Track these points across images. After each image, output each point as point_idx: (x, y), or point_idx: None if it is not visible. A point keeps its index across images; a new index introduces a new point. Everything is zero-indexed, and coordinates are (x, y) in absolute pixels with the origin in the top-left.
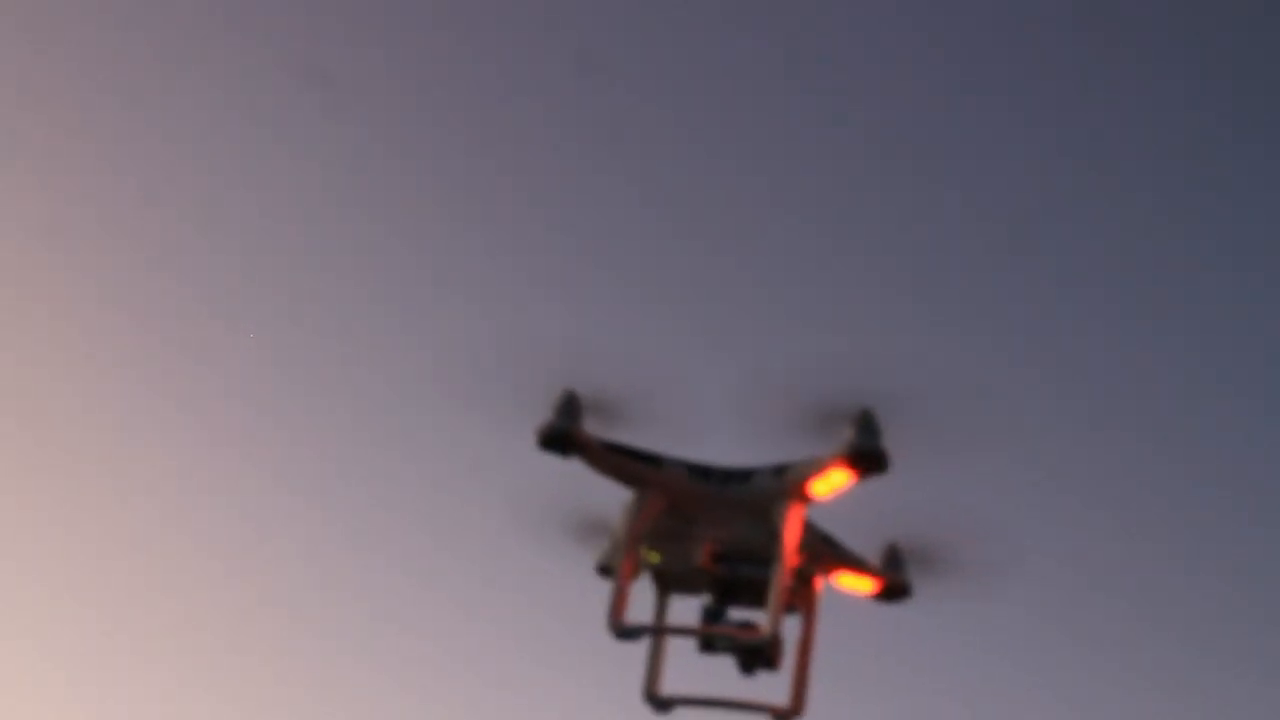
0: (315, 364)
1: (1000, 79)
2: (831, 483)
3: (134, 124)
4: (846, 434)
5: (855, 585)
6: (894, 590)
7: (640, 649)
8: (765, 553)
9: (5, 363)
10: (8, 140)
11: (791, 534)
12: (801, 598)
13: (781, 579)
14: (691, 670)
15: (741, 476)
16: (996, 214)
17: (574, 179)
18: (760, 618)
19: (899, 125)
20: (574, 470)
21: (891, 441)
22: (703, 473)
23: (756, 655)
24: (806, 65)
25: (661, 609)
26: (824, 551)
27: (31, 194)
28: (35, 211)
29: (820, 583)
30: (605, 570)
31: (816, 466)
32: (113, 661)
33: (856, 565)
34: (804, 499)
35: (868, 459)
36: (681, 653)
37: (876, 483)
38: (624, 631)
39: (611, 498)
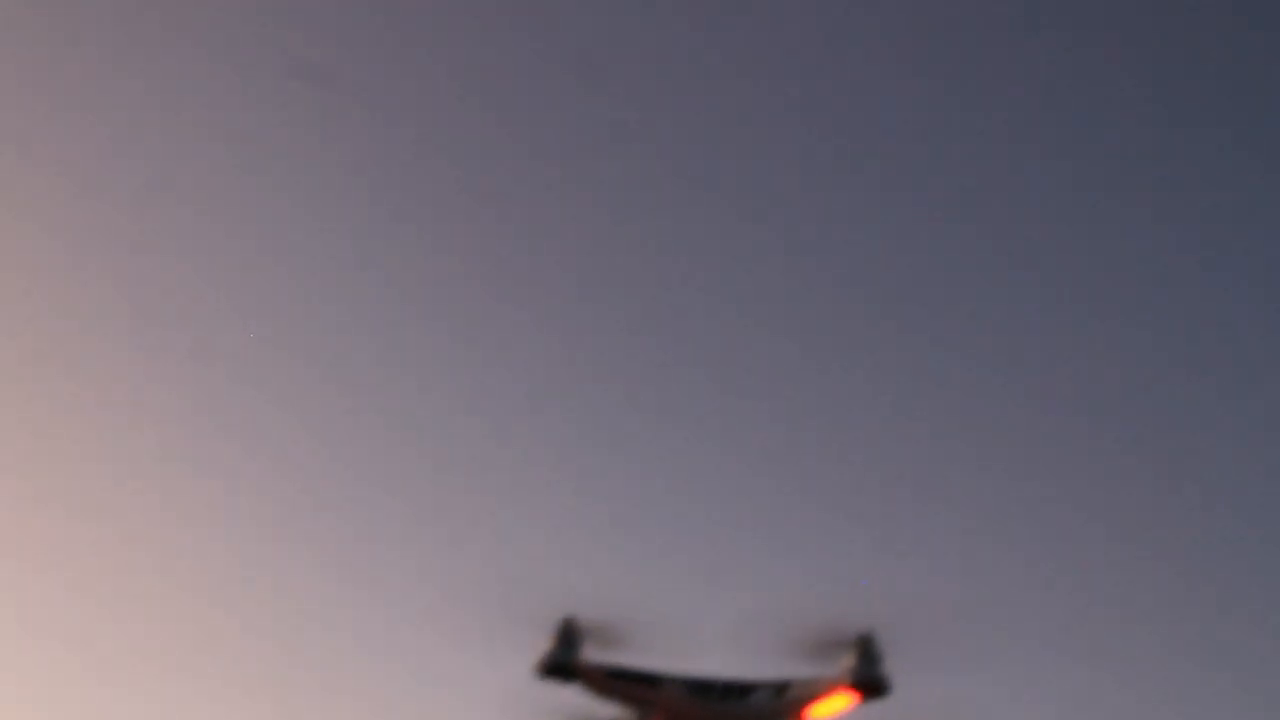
0: (323, 599)
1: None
2: (833, 706)
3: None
4: (849, 660)
5: None
6: None
7: None
8: None
9: (5, 362)
10: (8, 140)
11: None
12: None
13: None
14: None
15: (741, 691)
16: (988, 440)
17: (574, 412)
18: None
19: (889, 350)
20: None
21: (891, 658)
22: (702, 689)
23: None
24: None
25: None
26: None
27: (31, 194)
28: (36, 211)
29: None
30: None
31: (818, 689)
32: (96, 661)
33: None
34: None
35: (870, 685)
36: None
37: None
38: None
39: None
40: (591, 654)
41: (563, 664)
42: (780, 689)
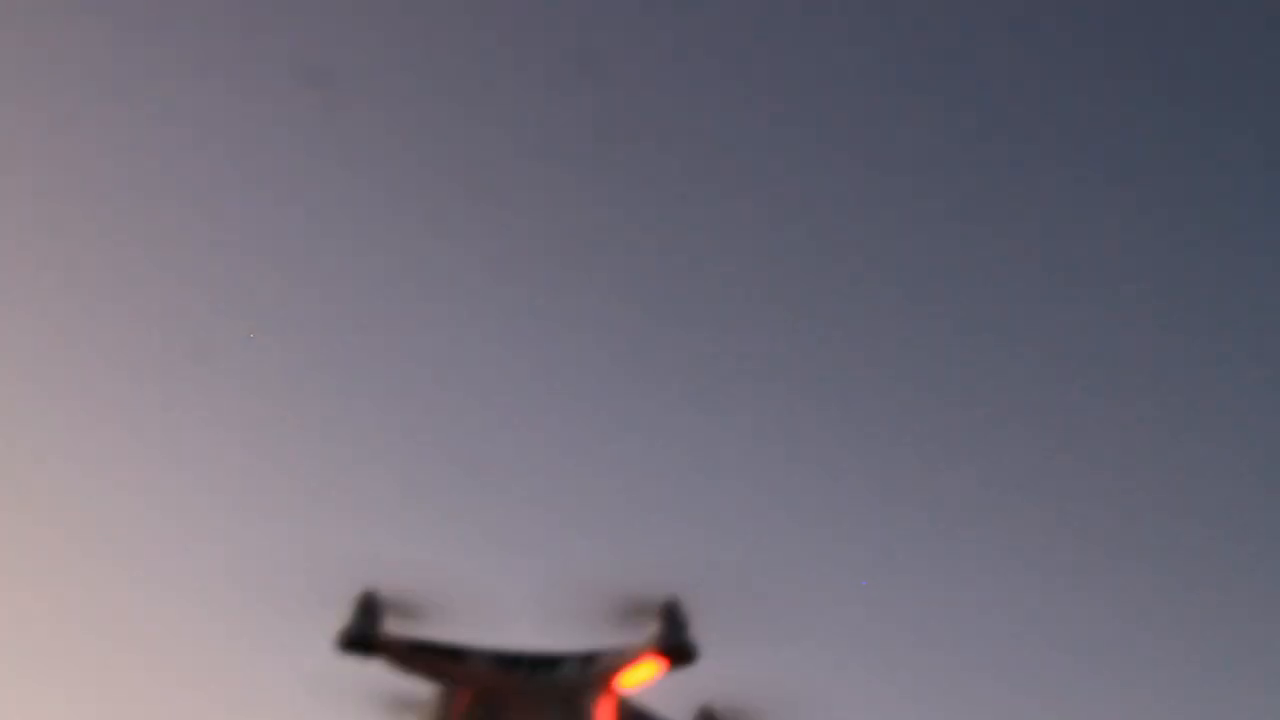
0: (126, 571)
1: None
2: (641, 674)
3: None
4: (654, 627)
5: None
6: None
7: None
8: None
9: (5, 362)
10: (8, 139)
11: None
12: None
13: None
14: None
15: (549, 664)
16: (800, 391)
17: (363, 373)
18: None
19: (693, 298)
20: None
21: (702, 623)
22: (509, 661)
23: None
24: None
25: None
26: None
27: (31, 194)
28: (34, 211)
29: None
30: None
31: (626, 657)
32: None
33: None
34: (613, 691)
35: (675, 651)
36: None
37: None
38: None
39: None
40: (394, 628)
41: (363, 637)
42: (588, 659)
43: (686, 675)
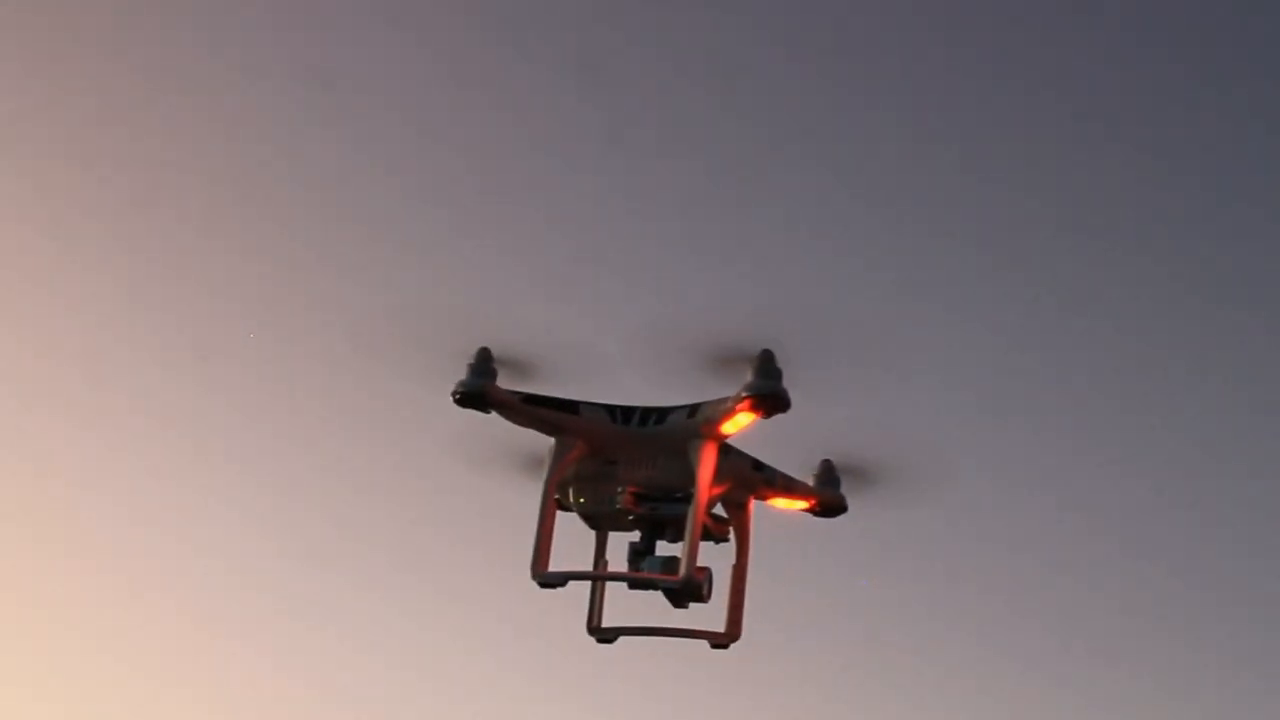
0: (226, 333)
1: None
2: (739, 423)
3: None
4: (747, 377)
5: (789, 506)
6: (828, 507)
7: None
8: (685, 490)
9: (5, 361)
10: (8, 139)
11: (706, 472)
12: (734, 523)
13: (697, 519)
14: (642, 598)
15: (658, 416)
16: (898, 137)
17: (476, 139)
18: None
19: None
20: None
21: (814, 369)
22: (621, 414)
23: (681, 592)
24: None
25: (600, 549)
26: (753, 477)
27: (30, 193)
28: (34, 211)
29: (753, 506)
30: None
31: (724, 408)
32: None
33: (789, 486)
34: (717, 437)
35: (767, 401)
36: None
37: (807, 405)
38: (546, 580)
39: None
40: (507, 384)
41: (478, 391)
42: (693, 410)
43: (800, 427)
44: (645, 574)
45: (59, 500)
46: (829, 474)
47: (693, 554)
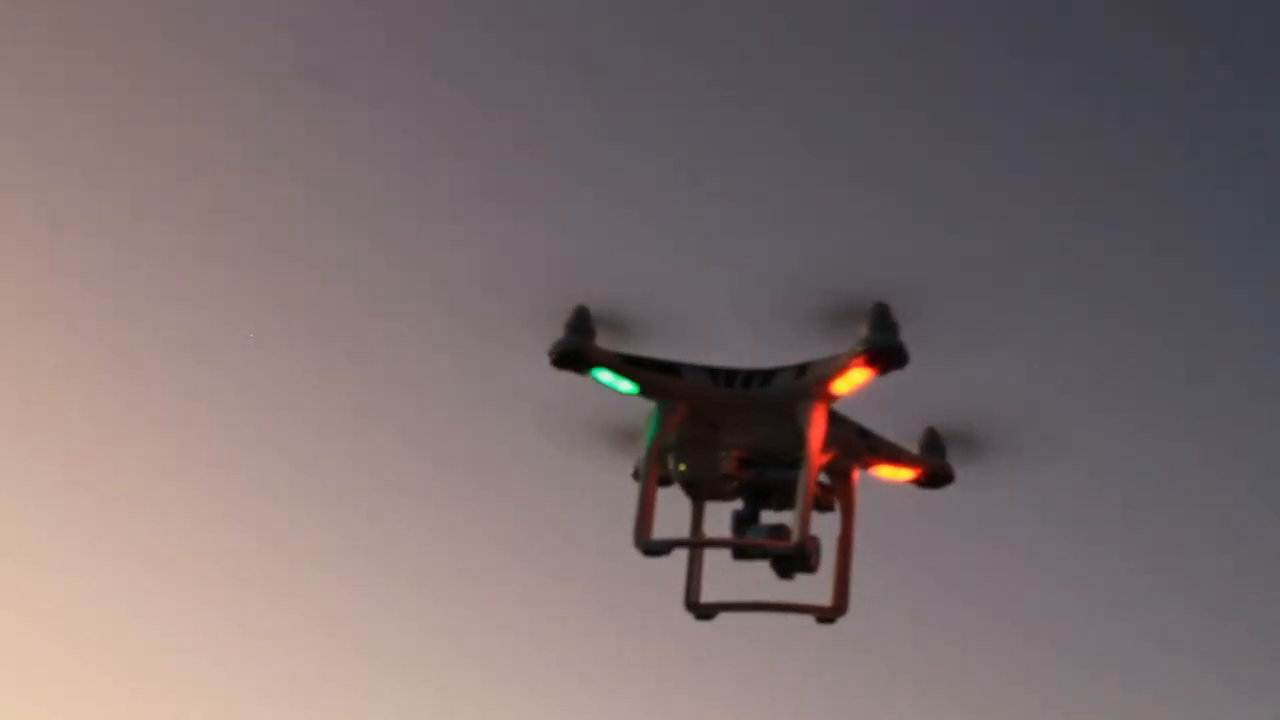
0: (312, 289)
1: None
2: (852, 380)
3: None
4: (862, 331)
5: (894, 475)
6: (935, 476)
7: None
8: (793, 455)
9: (4, 362)
10: (8, 139)
11: (817, 435)
12: (839, 493)
13: (808, 483)
14: (738, 574)
15: (763, 378)
16: (1013, 91)
17: (556, 97)
18: (793, 520)
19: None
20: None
21: (921, 329)
22: (724, 376)
23: (792, 559)
24: None
25: (698, 518)
26: (859, 444)
27: (30, 193)
28: (34, 211)
29: (857, 476)
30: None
31: (836, 365)
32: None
33: (894, 454)
34: (827, 398)
35: (885, 355)
36: (725, 558)
37: (911, 370)
38: (650, 548)
39: (638, 410)
40: (606, 344)
41: (577, 350)
42: (801, 370)
43: (905, 393)
44: (755, 540)
45: (96, 505)
46: (934, 442)
47: (805, 519)
